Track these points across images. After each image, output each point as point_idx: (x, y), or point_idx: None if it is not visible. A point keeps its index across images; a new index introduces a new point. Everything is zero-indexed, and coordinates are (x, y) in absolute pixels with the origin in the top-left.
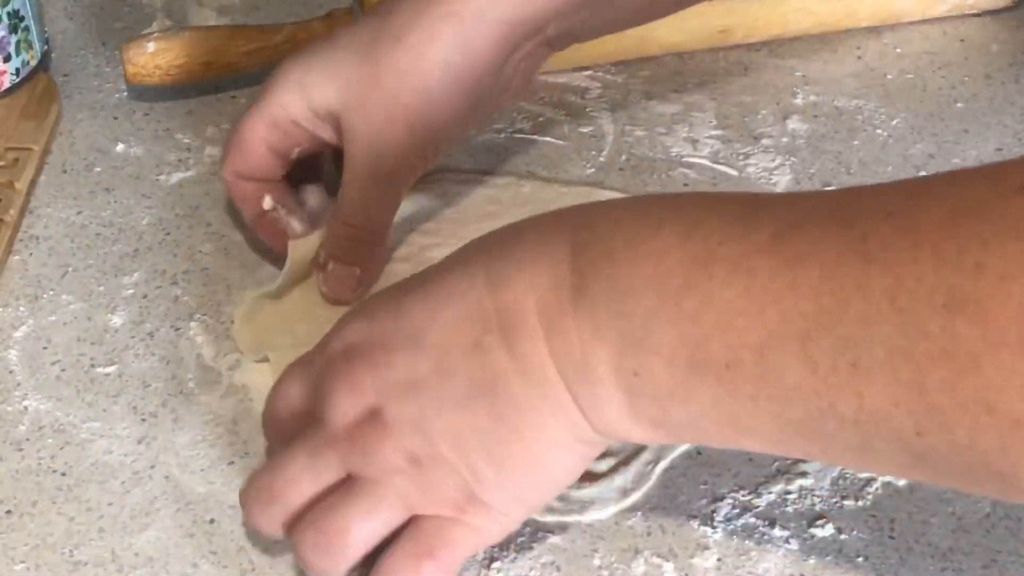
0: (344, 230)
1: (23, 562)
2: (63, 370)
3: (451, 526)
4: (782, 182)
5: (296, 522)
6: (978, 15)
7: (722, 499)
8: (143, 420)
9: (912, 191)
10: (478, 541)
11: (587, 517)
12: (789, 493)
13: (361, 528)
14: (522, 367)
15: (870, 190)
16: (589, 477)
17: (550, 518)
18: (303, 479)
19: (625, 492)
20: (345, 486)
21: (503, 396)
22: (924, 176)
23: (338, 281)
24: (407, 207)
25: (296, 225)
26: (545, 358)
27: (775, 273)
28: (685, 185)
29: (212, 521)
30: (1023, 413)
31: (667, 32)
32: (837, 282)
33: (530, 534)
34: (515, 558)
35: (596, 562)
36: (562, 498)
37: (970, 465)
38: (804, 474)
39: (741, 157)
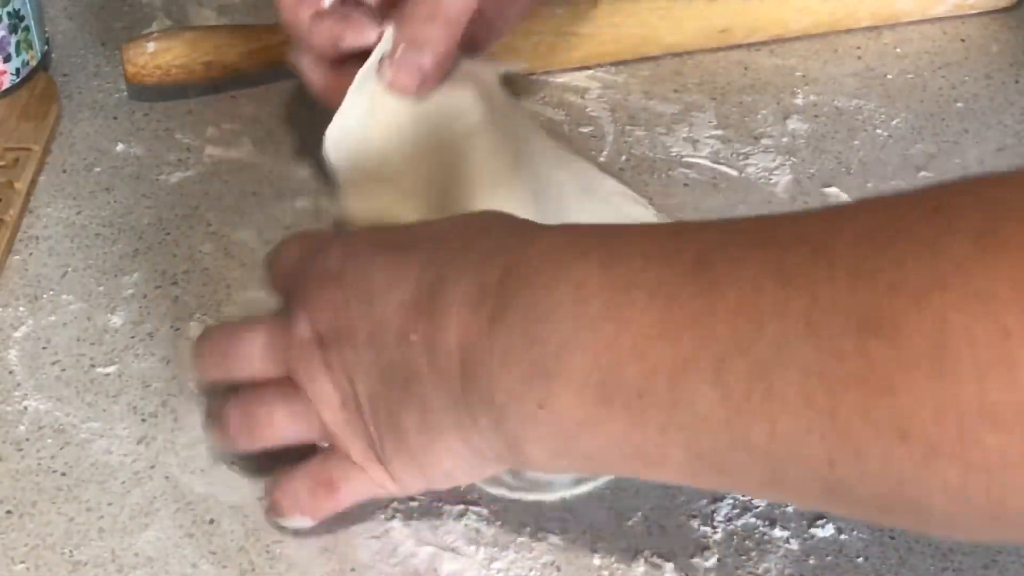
0: (422, 6)
1: (23, 562)
2: (63, 370)
3: (356, 469)
4: (782, 182)
5: (229, 393)
6: (978, 15)
7: (722, 499)
8: (143, 420)
9: (830, 216)
10: (378, 491)
11: (534, 496)
12: None
13: (282, 427)
14: (436, 378)
15: (792, 216)
16: None
17: (496, 490)
18: (254, 363)
19: (580, 479)
20: (284, 384)
21: (416, 394)
22: (843, 202)
23: (404, 67)
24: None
25: (365, 18)
26: (456, 378)
27: (693, 297)
28: (685, 185)
29: (212, 521)
30: (937, 439)
31: (667, 32)
32: (754, 305)
33: (530, 534)
34: (515, 558)
35: (596, 562)
36: (514, 474)
37: (883, 495)
38: None
39: (741, 157)
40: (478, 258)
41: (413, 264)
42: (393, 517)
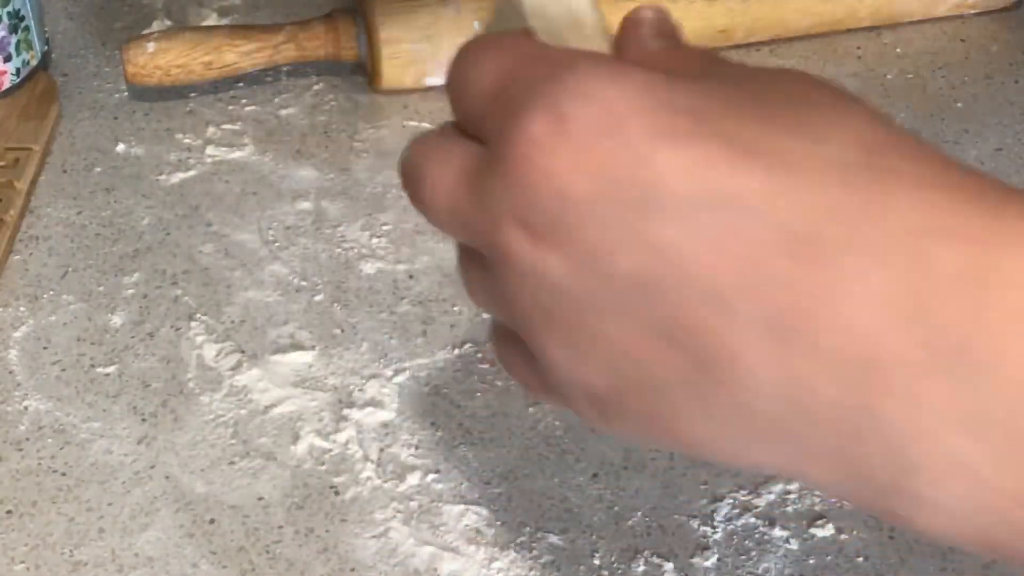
0: None
1: (23, 562)
2: (63, 370)
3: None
4: None
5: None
6: (978, 15)
7: (722, 499)
8: (143, 420)
9: None
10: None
11: None
12: (789, 493)
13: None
14: (775, 377)
15: None
16: None
17: None
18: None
19: None
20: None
21: (716, 384)
22: None
23: None
24: None
25: None
26: (832, 402)
27: None
28: None
29: (212, 521)
30: None
31: None
32: None
33: (530, 534)
34: (515, 558)
35: (596, 562)
36: None
37: None
38: None
39: None
40: (895, 222)
41: (751, 185)
42: (393, 517)
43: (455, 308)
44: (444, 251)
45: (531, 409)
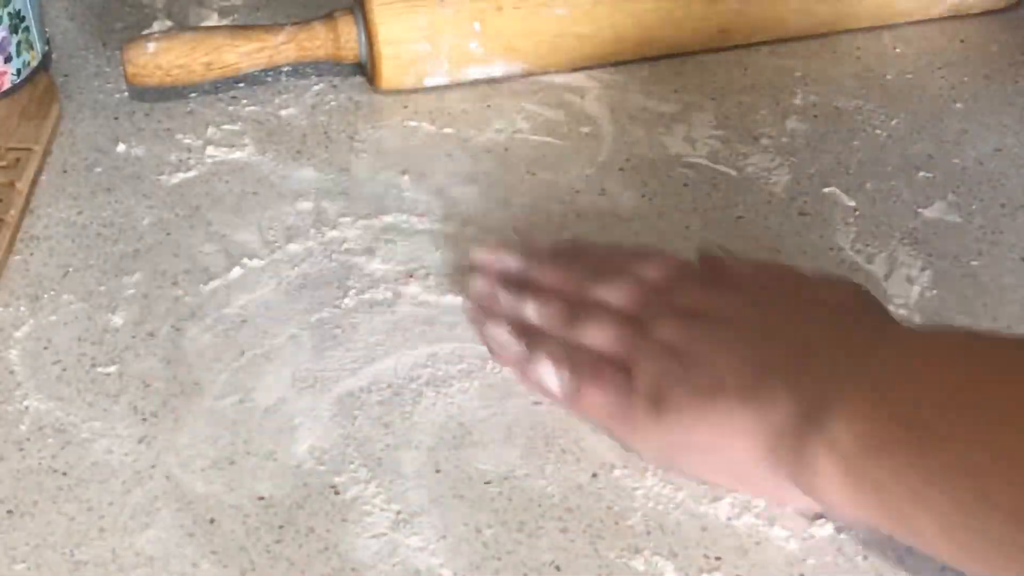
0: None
1: (24, 562)
2: (64, 370)
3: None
4: (781, 182)
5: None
6: (977, 15)
7: (722, 499)
8: (144, 420)
9: None
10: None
11: None
12: None
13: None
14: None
15: None
16: None
17: None
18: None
19: None
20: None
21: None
22: None
23: None
24: None
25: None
26: None
27: None
28: (685, 185)
29: (212, 521)
30: None
31: (667, 32)
32: None
33: (530, 534)
34: (515, 558)
35: (596, 562)
36: None
37: None
38: None
39: (740, 157)
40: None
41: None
42: (393, 516)
43: (455, 308)
44: (444, 251)
45: (531, 408)
